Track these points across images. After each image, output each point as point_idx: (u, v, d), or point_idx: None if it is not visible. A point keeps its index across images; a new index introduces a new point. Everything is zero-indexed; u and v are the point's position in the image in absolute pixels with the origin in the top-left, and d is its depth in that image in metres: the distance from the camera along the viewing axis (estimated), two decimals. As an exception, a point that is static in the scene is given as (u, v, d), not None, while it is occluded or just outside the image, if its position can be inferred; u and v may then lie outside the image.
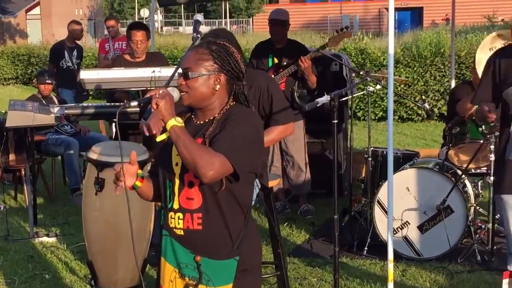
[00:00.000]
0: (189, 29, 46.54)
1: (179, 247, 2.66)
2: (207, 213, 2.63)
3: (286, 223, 6.62)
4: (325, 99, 3.77)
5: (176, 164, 2.67)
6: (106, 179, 3.86)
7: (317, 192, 7.20)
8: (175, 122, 2.55)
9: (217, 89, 2.68)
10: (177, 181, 2.66)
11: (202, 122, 2.73)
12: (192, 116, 2.79)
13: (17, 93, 17.69)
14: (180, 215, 2.65)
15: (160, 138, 2.60)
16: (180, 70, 2.72)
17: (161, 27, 46.55)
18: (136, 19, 39.81)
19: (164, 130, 2.58)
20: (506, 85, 3.65)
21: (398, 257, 5.45)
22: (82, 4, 43.18)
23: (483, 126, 5.53)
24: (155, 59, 6.45)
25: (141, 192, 2.76)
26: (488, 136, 5.44)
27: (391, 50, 4.70)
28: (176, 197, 2.66)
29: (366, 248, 5.70)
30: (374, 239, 5.71)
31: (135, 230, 3.91)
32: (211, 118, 2.70)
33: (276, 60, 6.73)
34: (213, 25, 47.17)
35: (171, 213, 2.67)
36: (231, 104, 2.72)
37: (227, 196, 2.64)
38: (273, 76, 6.61)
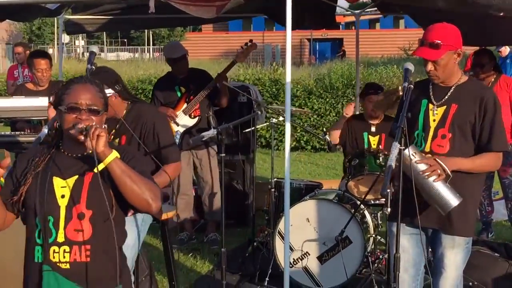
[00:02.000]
0: (112, 55, 46.23)
1: (64, 281, 2.63)
2: (95, 244, 2.65)
3: (191, 254, 6.60)
4: (211, 133, 3.82)
5: (62, 196, 2.65)
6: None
7: (224, 222, 7.19)
8: (117, 154, 2.58)
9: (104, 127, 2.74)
10: (62, 214, 2.63)
11: (76, 155, 2.72)
12: (58, 150, 2.77)
13: None
14: (66, 248, 2.63)
15: (98, 169, 2.58)
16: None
17: (83, 53, 46.00)
18: (55, 44, 39.17)
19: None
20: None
21: (298, 287, 5.50)
22: (1, 27, 42.29)
23: (380, 158, 5.69)
24: (57, 87, 6.36)
25: None
26: (385, 168, 5.59)
27: (288, 78, 4.82)
28: (61, 230, 2.63)
29: (267, 279, 5.72)
30: (275, 269, 5.74)
31: (21, 267, 3.84)
32: (84, 153, 2.69)
33: (183, 89, 6.77)
34: (136, 51, 46.97)
35: (54, 247, 2.64)
36: None
37: (114, 225, 2.68)
38: (185, 104, 6.66)
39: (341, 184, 6.50)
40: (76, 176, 2.68)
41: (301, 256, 5.64)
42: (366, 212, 5.94)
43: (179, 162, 4.21)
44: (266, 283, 5.71)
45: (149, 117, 4.10)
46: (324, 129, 6.56)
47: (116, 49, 49.85)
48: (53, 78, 7.16)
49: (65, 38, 42.62)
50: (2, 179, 2.60)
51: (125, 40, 52.04)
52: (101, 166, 2.58)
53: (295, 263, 5.60)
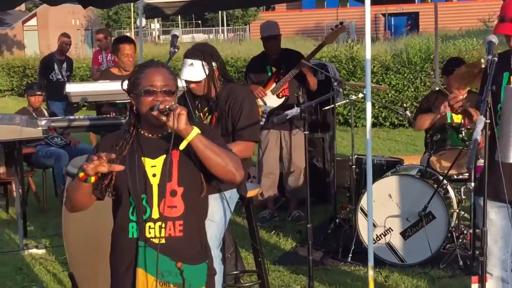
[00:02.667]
0: (187, 37, 46.72)
1: (160, 256, 2.73)
2: (187, 220, 2.77)
3: (274, 231, 6.69)
4: (294, 111, 3.84)
5: (154, 175, 2.76)
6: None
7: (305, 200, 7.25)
8: (198, 130, 2.69)
9: None
10: (155, 192, 2.75)
11: (156, 136, 2.82)
12: (138, 133, 2.86)
13: (12, 104, 17.74)
14: (161, 223, 2.74)
15: (182, 146, 2.68)
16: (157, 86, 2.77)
17: (158, 36, 46.59)
18: (133, 28, 39.85)
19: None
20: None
21: (381, 263, 5.52)
22: (79, 14, 43.18)
23: (463, 133, 5.63)
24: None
25: (83, 190, 2.76)
26: (468, 142, 5.53)
27: (368, 55, 4.82)
28: (155, 207, 2.74)
29: (350, 255, 5.76)
30: (358, 246, 5.77)
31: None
32: (165, 133, 2.79)
33: (274, 69, 6.87)
34: (211, 33, 47.26)
35: (149, 223, 2.75)
36: None
37: (202, 201, 2.83)
38: (274, 84, 6.74)
39: (422, 159, 6.45)
40: (164, 156, 2.77)
41: (384, 232, 5.66)
42: (449, 187, 5.89)
43: (252, 143, 4.25)
44: (349, 259, 5.76)
45: (239, 96, 4.17)
46: (404, 105, 6.49)
47: (191, 31, 50.30)
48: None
49: (142, 22, 43.32)
50: (93, 178, 2.71)
51: (200, 21, 52.43)
52: (184, 143, 2.67)
53: (378, 239, 5.62)
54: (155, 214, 2.75)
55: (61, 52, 10.48)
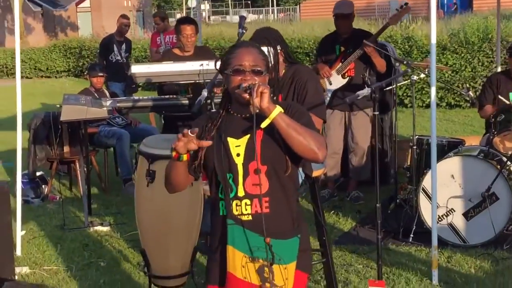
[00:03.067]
0: (236, 18, 46.75)
1: (248, 232, 2.80)
2: (273, 197, 2.82)
3: (333, 211, 6.72)
4: (366, 91, 3.86)
5: (238, 155, 2.83)
6: (157, 171, 4.02)
7: (364, 180, 7.28)
8: (281, 109, 2.73)
9: None
10: (240, 171, 2.82)
11: (245, 116, 2.88)
12: (228, 113, 2.93)
13: (69, 85, 18.07)
14: (247, 201, 2.81)
15: (264, 124, 2.73)
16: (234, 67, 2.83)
17: (208, 17, 46.74)
18: (184, 9, 40.08)
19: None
20: None
21: (443, 244, 5.52)
22: (131, -5, 43.62)
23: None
24: (203, 53, 6.62)
25: (179, 169, 2.83)
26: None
27: (433, 40, 4.77)
28: (240, 185, 2.81)
29: (411, 235, 5.77)
30: (419, 226, 5.77)
31: (184, 220, 4.10)
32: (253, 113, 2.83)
33: (342, 49, 6.87)
34: (260, 13, 47.18)
35: (236, 201, 2.81)
36: None
37: (288, 179, 2.86)
38: (340, 63, 6.75)
39: (482, 140, 6.41)
40: (248, 135, 2.83)
41: (446, 212, 5.64)
42: (512, 168, 5.84)
43: (320, 121, 4.27)
44: (410, 240, 5.76)
45: (303, 76, 4.24)
46: (467, 85, 6.41)
47: (241, 12, 50.27)
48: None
49: (192, 2, 43.52)
50: (185, 156, 2.77)
51: (249, 1, 52.40)
52: (267, 122, 2.72)
53: (440, 219, 5.61)
54: (241, 192, 2.81)
55: (120, 34, 10.63)
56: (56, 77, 20.46)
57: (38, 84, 18.85)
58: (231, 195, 2.83)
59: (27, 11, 37.97)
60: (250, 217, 2.81)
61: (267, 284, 2.81)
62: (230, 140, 2.86)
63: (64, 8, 41.52)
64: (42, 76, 20.52)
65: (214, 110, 3.02)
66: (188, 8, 42.11)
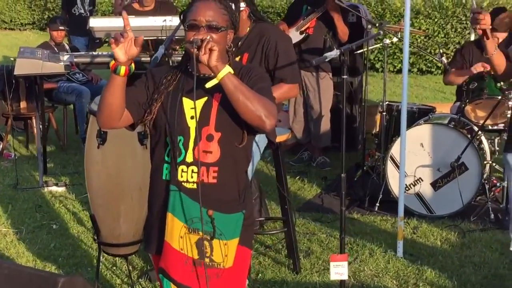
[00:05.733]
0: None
1: (189, 201, 2.60)
2: (222, 167, 2.61)
3: (298, 177, 6.53)
4: (334, 53, 3.62)
5: (192, 118, 2.60)
6: (109, 133, 3.76)
7: (331, 146, 7.08)
8: (230, 69, 2.48)
9: (229, 46, 2.66)
10: (191, 135, 2.59)
11: (203, 75, 2.63)
12: (186, 71, 2.69)
13: (33, 38, 17.56)
14: (194, 168, 2.59)
15: (210, 84, 2.50)
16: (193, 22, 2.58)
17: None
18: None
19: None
20: None
21: (409, 214, 5.37)
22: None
23: (502, 82, 5.38)
24: (164, 8, 6.35)
25: (115, 88, 2.52)
26: (507, 92, 5.31)
27: (408, 2, 4.55)
28: (190, 150, 2.60)
29: (377, 204, 5.61)
30: (386, 195, 5.62)
31: (137, 184, 3.86)
32: (212, 74, 2.57)
33: (309, 9, 6.60)
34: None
35: (182, 167, 2.60)
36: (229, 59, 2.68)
37: (241, 150, 2.65)
38: (302, 20, 6.48)
39: (453, 108, 6.23)
40: (206, 98, 2.61)
41: (413, 182, 5.48)
42: (483, 138, 5.68)
43: (297, 85, 4.09)
44: (376, 209, 5.60)
45: (272, 35, 4.01)
46: (441, 51, 6.21)
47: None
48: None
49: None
50: (123, 69, 2.48)
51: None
52: (213, 82, 2.49)
53: (407, 189, 5.43)
54: (189, 158, 2.59)
55: (84, -14, 10.21)
56: (20, 29, 19.90)
57: (1, 36, 18.31)
58: (179, 159, 2.60)
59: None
60: (194, 186, 2.59)
61: (206, 259, 2.62)
62: (186, 101, 2.63)
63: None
64: (5, 28, 19.94)
65: (174, 66, 2.75)
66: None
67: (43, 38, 13.20)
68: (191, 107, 2.60)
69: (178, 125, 2.59)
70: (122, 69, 2.47)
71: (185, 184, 2.60)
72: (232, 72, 2.50)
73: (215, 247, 2.62)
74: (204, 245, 2.61)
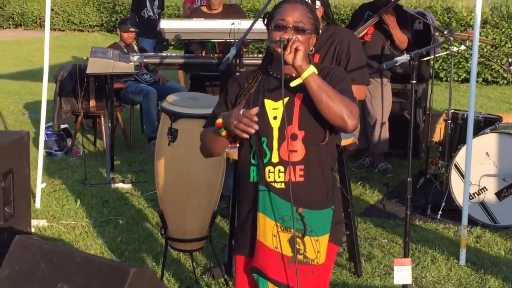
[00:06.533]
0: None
1: (279, 200, 2.65)
2: (308, 165, 2.66)
3: (360, 182, 6.54)
4: (404, 58, 3.66)
5: (275, 118, 2.66)
6: (180, 130, 3.86)
7: (393, 153, 7.07)
8: (314, 69, 2.55)
9: (310, 49, 2.72)
10: (275, 135, 2.65)
11: (289, 76, 2.67)
12: (268, 72, 2.76)
13: (101, 40, 17.94)
14: (281, 168, 2.65)
15: (294, 83, 2.57)
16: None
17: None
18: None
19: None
20: None
21: (472, 223, 5.33)
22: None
23: None
24: (232, 11, 6.44)
25: (219, 140, 2.66)
26: None
27: (478, 10, 4.53)
28: (275, 151, 2.65)
29: (440, 212, 5.58)
30: (449, 203, 5.58)
31: (206, 183, 3.95)
32: (293, 74, 2.62)
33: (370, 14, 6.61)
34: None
35: (269, 167, 2.65)
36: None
37: (324, 148, 2.68)
38: (360, 27, 6.49)
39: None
40: (287, 98, 2.65)
41: (478, 191, 5.44)
42: (550, 149, 5.59)
43: (365, 86, 4.13)
44: (438, 217, 5.57)
45: (345, 37, 4.07)
46: (509, 61, 6.13)
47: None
48: (226, 1, 7.20)
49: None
50: (224, 132, 2.59)
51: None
52: (297, 81, 2.55)
53: (471, 198, 5.39)
54: (275, 158, 2.65)
55: (153, -11, 10.41)
56: (88, 31, 20.34)
57: (70, 37, 18.76)
58: (265, 160, 2.66)
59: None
60: (283, 185, 2.64)
61: (299, 256, 2.66)
62: (267, 102, 2.68)
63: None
64: (75, 30, 20.41)
65: (243, 70, 2.82)
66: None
67: (111, 39, 13.50)
68: (273, 108, 2.65)
69: (261, 127, 2.61)
70: (223, 132, 2.59)
71: (273, 184, 2.65)
72: (316, 72, 2.55)
73: (307, 244, 2.66)
74: (298, 242, 2.65)
